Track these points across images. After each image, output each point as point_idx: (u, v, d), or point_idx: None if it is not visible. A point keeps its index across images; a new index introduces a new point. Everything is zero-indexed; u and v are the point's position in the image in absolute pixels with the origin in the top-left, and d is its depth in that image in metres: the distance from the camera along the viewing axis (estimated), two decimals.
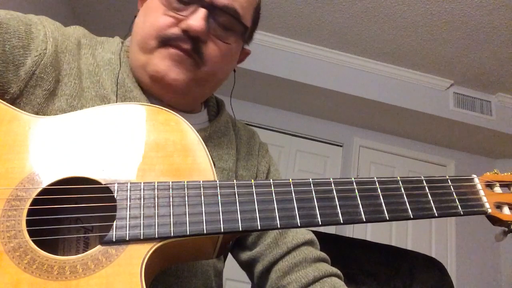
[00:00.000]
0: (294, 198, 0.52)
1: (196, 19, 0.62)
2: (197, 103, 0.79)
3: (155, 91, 0.69)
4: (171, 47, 0.64)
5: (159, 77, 0.65)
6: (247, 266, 0.78)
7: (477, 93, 3.30)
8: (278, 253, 0.73)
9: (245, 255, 0.77)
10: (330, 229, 2.91)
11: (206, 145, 0.73)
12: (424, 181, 0.57)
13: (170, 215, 0.48)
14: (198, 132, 0.72)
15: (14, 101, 0.58)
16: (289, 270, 0.72)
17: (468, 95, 3.28)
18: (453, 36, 2.71)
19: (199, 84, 0.69)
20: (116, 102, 0.66)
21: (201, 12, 0.63)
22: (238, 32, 0.69)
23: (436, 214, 0.54)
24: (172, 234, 0.47)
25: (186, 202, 0.49)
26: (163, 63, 0.64)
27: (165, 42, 0.64)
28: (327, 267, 0.73)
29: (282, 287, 0.71)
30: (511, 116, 3.30)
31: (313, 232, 1.48)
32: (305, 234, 0.77)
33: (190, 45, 0.64)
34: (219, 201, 0.50)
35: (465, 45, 2.77)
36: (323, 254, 0.76)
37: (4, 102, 0.53)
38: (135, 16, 0.75)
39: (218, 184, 0.51)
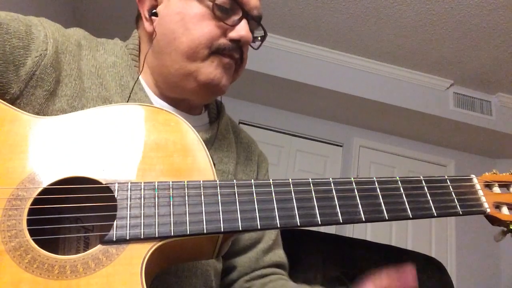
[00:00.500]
0: (293, 198, 0.52)
1: (245, 29, 0.67)
2: None
3: (198, 96, 0.72)
4: (223, 56, 0.68)
5: (214, 84, 0.68)
6: (222, 272, 0.81)
7: (477, 93, 3.30)
8: (255, 267, 0.78)
9: (226, 262, 0.79)
10: (330, 229, 2.92)
11: (207, 148, 0.74)
12: (423, 181, 0.57)
13: (170, 215, 0.48)
14: (199, 134, 0.73)
15: (14, 102, 0.58)
16: (256, 277, 0.78)
17: (468, 95, 3.28)
18: (453, 36, 2.71)
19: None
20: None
21: (245, 22, 0.68)
22: (260, 38, 0.76)
23: (435, 214, 0.54)
24: (172, 234, 0.47)
25: (186, 202, 0.49)
26: (217, 71, 0.68)
27: (216, 51, 0.67)
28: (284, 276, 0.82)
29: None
30: (511, 116, 3.30)
31: (313, 231, 1.48)
32: (282, 258, 0.84)
33: (239, 54, 0.70)
34: (219, 200, 0.50)
35: (465, 45, 2.77)
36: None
37: (5, 103, 0.53)
38: (137, 18, 0.76)
39: (218, 184, 0.52)
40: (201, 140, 0.56)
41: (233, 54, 0.68)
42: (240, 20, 0.68)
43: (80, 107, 0.62)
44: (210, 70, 0.67)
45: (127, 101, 0.67)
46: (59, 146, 0.51)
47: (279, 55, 3.10)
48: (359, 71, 3.20)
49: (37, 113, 0.58)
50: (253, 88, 3.28)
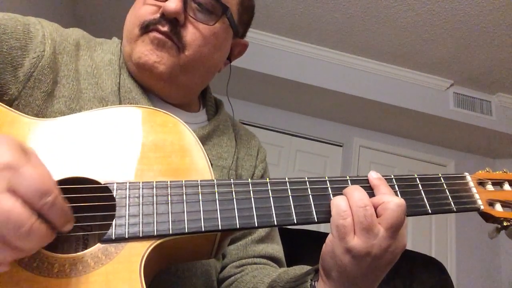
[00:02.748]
0: (290, 196, 0.53)
1: (173, 1, 0.64)
2: (191, 95, 0.78)
3: (144, 81, 0.70)
4: (151, 32, 0.66)
5: (142, 62, 0.66)
6: None
7: (477, 93, 3.30)
8: (242, 256, 0.76)
9: None
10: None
11: (205, 144, 0.73)
12: (417, 179, 0.58)
13: (168, 213, 0.48)
14: (198, 131, 0.73)
15: (12, 103, 0.58)
16: (246, 264, 0.76)
17: (468, 95, 3.28)
18: (453, 36, 2.71)
19: (185, 71, 0.69)
20: (117, 102, 0.67)
21: None
22: (219, 14, 0.69)
23: (430, 211, 0.55)
24: (170, 232, 0.47)
25: (184, 201, 0.50)
26: (145, 48, 0.66)
27: (146, 28, 0.66)
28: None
29: (235, 273, 0.74)
30: (511, 116, 3.30)
31: (313, 231, 1.48)
32: (277, 251, 0.81)
33: (168, 28, 0.65)
34: (217, 199, 0.51)
35: (465, 45, 2.77)
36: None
37: (4, 105, 0.53)
38: None
39: (215, 183, 0.52)
40: (199, 141, 0.56)
41: (158, 27, 0.65)
42: None
43: (78, 108, 0.62)
44: (139, 48, 0.66)
45: (124, 100, 0.67)
46: (59, 147, 0.51)
47: (279, 55, 3.11)
48: (359, 71, 3.20)
49: (36, 115, 0.59)
50: (253, 88, 3.28)
